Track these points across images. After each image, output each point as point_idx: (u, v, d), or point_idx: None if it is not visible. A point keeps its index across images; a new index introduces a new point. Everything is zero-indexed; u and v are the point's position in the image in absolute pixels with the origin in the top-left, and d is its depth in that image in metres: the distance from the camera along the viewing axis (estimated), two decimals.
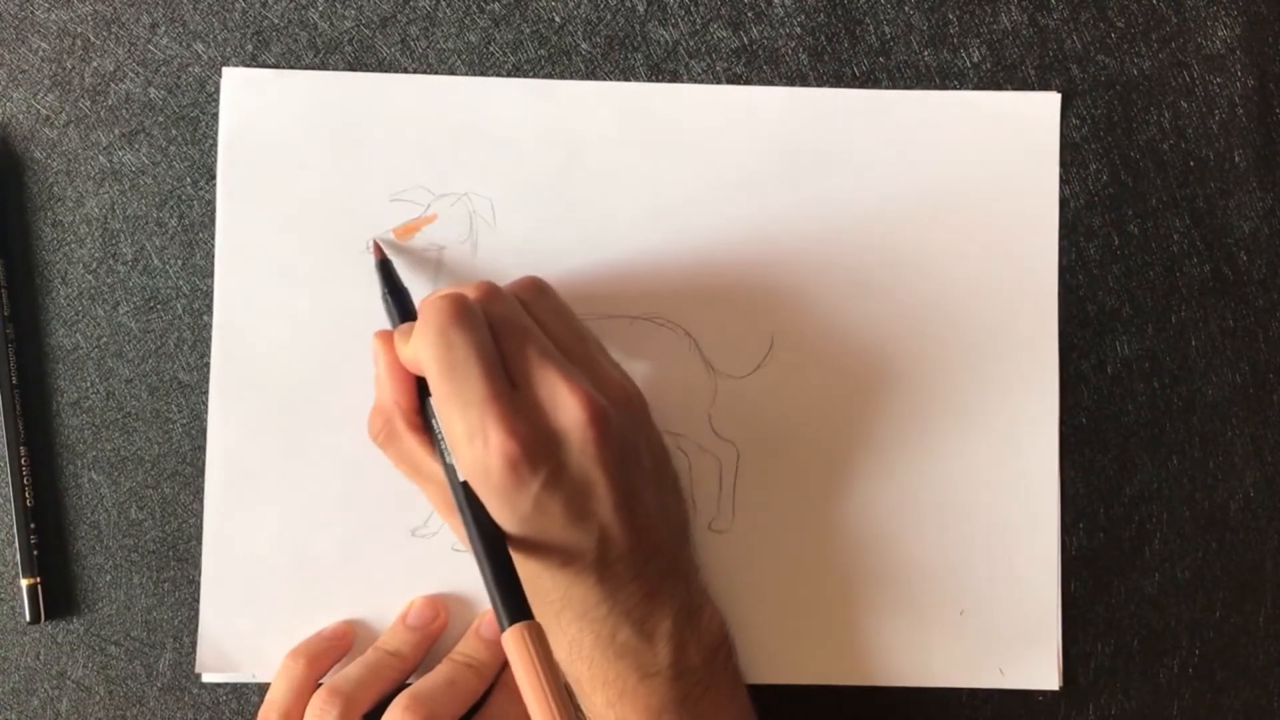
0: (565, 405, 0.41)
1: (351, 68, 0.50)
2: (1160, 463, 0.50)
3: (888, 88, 0.50)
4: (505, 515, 0.41)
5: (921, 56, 0.50)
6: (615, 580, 0.42)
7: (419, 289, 0.49)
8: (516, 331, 0.42)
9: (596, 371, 0.44)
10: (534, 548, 0.41)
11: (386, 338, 0.44)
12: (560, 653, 0.42)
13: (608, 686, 0.43)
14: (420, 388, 0.44)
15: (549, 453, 0.40)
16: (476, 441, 0.40)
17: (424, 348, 0.41)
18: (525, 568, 0.41)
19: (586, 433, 0.41)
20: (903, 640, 0.49)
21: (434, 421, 0.43)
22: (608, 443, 0.41)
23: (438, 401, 0.41)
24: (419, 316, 0.42)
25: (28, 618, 0.48)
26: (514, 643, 0.38)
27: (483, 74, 0.50)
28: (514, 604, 0.39)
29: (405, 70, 0.50)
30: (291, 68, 0.50)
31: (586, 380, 0.42)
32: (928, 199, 0.50)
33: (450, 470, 0.42)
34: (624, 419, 0.42)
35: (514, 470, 0.40)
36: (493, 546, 0.40)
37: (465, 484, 0.41)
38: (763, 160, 0.50)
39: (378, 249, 0.48)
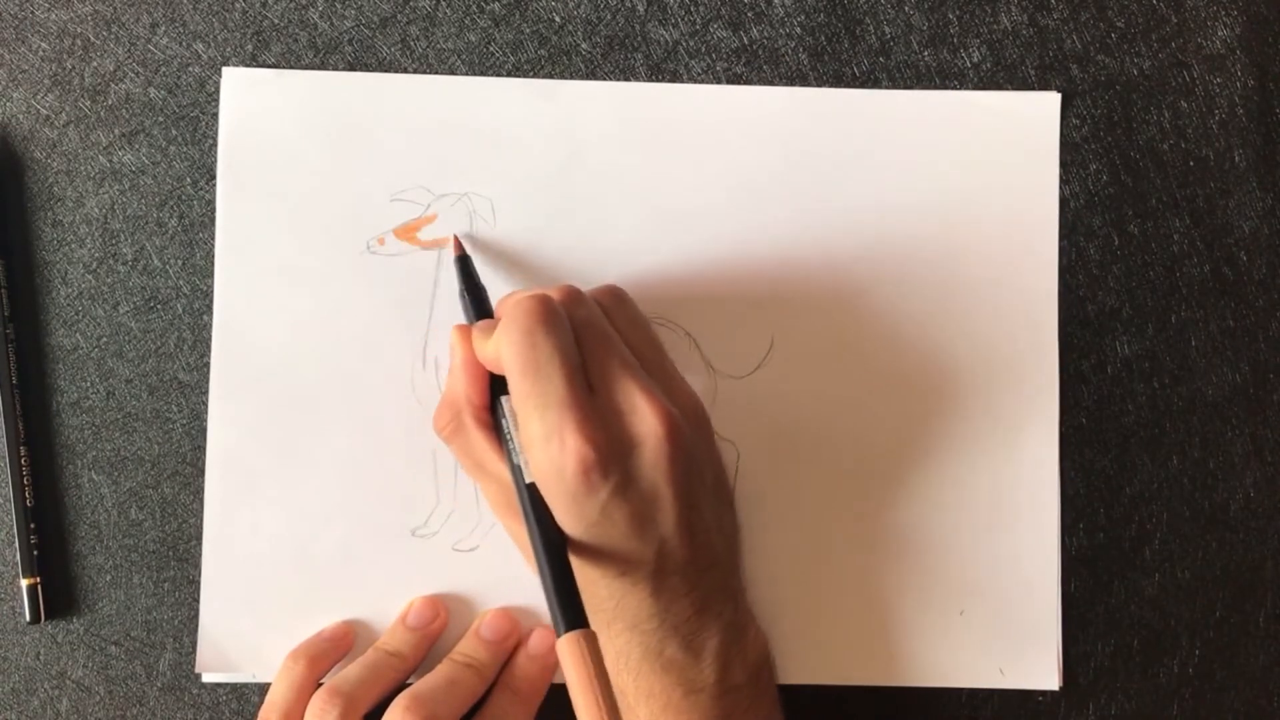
0: (643, 415, 0.41)
1: (351, 68, 0.50)
2: (1160, 463, 0.50)
3: (888, 88, 0.50)
4: (571, 520, 0.41)
5: (921, 56, 0.50)
6: (669, 594, 0.42)
7: (420, 288, 0.49)
8: (598, 337, 0.42)
9: (670, 384, 0.44)
10: (594, 555, 0.41)
11: (465, 332, 0.45)
12: (607, 663, 0.42)
13: (652, 699, 0.42)
14: (492, 386, 0.44)
15: (621, 461, 0.41)
16: (553, 443, 0.40)
17: (507, 346, 0.41)
18: (581, 575, 0.41)
19: (661, 445, 0.41)
20: (902, 640, 0.49)
21: (504, 421, 0.43)
22: (679, 456, 0.41)
23: (517, 400, 0.41)
24: (504, 315, 0.42)
25: (28, 618, 0.48)
26: (570, 650, 0.38)
27: (483, 74, 0.50)
28: (572, 611, 0.39)
29: (405, 70, 0.50)
30: (291, 68, 0.50)
31: (662, 392, 0.42)
32: (928, 199, 0.50)
33: (517, 471, 0.42)
34: (693, 434, 0.43)
35: (586, 475, 0.40)
36: (554, 551, 0.40)
37: (532, 485, 0.41)
38: (763, 160, 0.50)
39: (457, 244, 0.48)
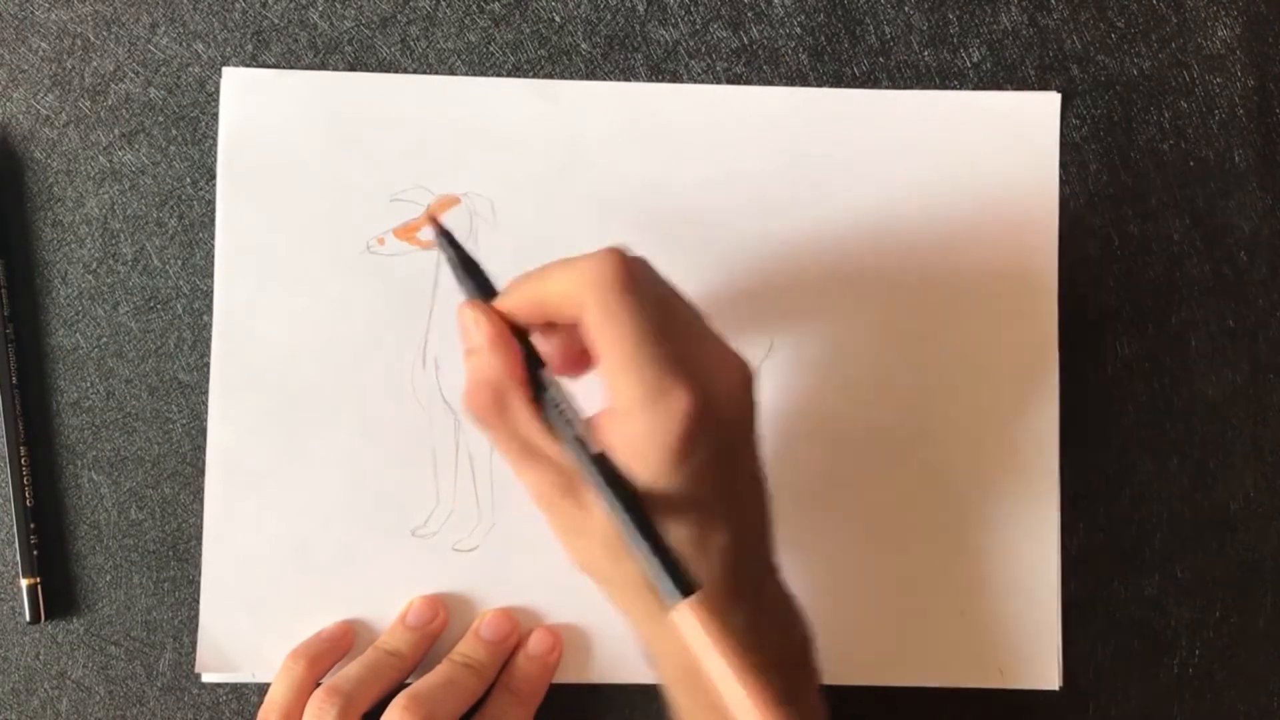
0: (729, 368, 0.40)
1: (351, 68, 0.50)
2: (1160, 463, 0.50)
3: (888, 88, 0.50)
4: (664, 482, 0.38)
5: (921, 56, 0.50)
6: (738, 557, 0.40)
7: (420, 288, 0.49)
8: (666, 295, 0.40)
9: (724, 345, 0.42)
10: (676, 515, 0.39)
11: (484, 307, 0.40)
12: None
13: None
14: (527, 360, 0.40)
15: (714, 419, 0.38)
16: (658, 404, 0.37)
17: (598, 308, 0.38)
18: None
19: (744, 399, 0.40)
20: (902, 640, 0.49)
21: (550, 394, 0.39)
22: (754, 412, 0.40)
23: (612, 364, 0.38)
24: (577, 278, 0.38)
25: (28, 618, 0.48)
26: (696, 617, 0.36)
27: (483, 74, 0.50)
28: (683, 574, 0.36)
29: (405, 70, 0.50)
30: (291, 68, 0.50)
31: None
32: (928, 199, 0.50)
33: (578, 443, 0.38)
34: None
35: (690, 436, 0.37)
36: (644, 518, 0.37)
37: (601, 455, 0.38)
38: (762, 160, 0.50)
39: (435, 222, 0.43)
